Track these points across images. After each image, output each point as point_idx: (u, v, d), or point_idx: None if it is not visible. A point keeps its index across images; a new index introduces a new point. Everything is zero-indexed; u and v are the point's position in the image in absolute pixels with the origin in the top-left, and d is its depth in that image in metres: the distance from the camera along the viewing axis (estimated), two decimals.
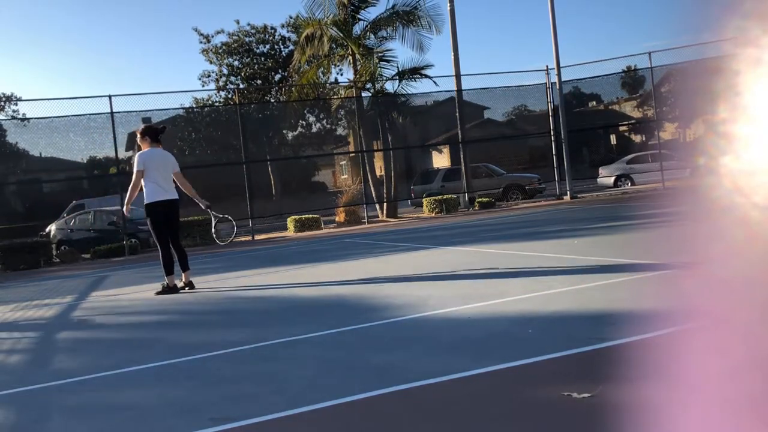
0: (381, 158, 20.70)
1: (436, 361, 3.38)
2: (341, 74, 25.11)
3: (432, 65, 23.49)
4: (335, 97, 23.12)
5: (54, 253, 16.59)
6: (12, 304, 8.29)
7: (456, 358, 3.38)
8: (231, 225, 8.54)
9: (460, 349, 3.56)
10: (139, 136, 7.22)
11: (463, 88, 19.30)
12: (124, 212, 7.96)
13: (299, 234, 16.88)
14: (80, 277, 11.18)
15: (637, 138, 28.86)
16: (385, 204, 19.26)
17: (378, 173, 20.90)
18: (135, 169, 7.08)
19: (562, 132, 19.48)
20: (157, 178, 7.03)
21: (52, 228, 18.61)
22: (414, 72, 19.35)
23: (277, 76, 31.32)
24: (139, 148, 7.26)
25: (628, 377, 1.96)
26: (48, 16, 75.37)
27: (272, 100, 29.89)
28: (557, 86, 19.36)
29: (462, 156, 19.43)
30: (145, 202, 7.07)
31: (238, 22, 36.44)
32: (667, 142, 21.06)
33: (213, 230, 8.59)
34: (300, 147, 29.71)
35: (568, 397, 2.55)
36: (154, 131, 7.19)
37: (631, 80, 31.78)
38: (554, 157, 19.96)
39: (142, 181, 7.08)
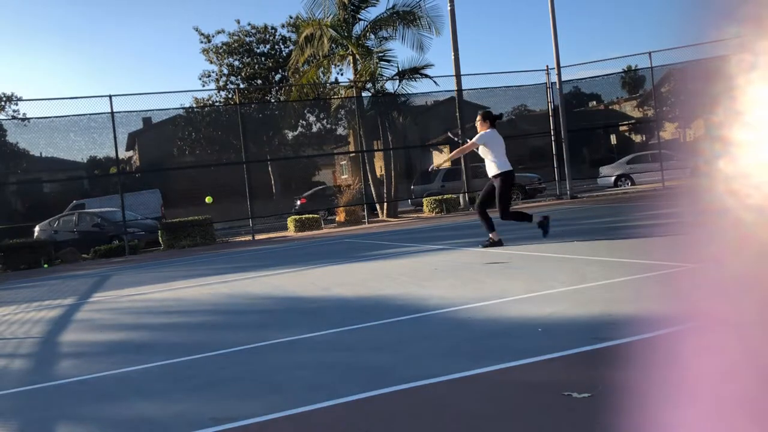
0: (381, 158, 20.69)
1: (436, 361, 3.37)
2: (341, 74, 25.13)
3: (432, 65, 23.51)
4: (335, 97, 23.11)
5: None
6: (12, 305, 8.29)
7: (456, 358, 3.38)
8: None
9: (460, 349, 3.56)
10: (480, 118, 8.43)
11: (463, 87, 19.31)
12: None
13: (299, 234, 16.89)
14: (80, 278, 11.19)
15: (637, 138, 28.88)
16: (385, 204, 19.26)
17: (378, 173, 20.90)
18: (474, 141, 8.28)
19: (562, 132, 19.48)
20: (501, 152, 8.29)
21: (36, 229, 18.58)
22: (414, 72, 19.35)
23: (277, 76, 31.31)
24: (475, 130, 8.53)
25: (628, 377, 1.96)
26: (48, 15, 75.38)
27: (272, 100, 29.89)
28: (557, 86, 19.37)
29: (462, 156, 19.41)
30: (502, 170, 8.16)
31: (238, 22, 36.43)
32: (667, 142, 21.07)
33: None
34: (300, 147, 29.68)
35: (568, 397, 2.55)
36: (494, 117, 8.45)
37: (631, 80, 31.75)
38: (554, 157, 19.95)
39: (486, 154, 8.26)
